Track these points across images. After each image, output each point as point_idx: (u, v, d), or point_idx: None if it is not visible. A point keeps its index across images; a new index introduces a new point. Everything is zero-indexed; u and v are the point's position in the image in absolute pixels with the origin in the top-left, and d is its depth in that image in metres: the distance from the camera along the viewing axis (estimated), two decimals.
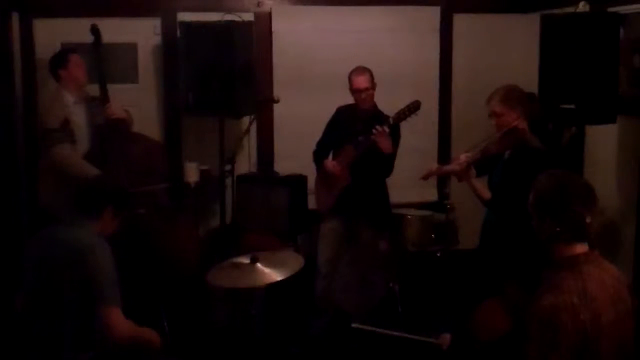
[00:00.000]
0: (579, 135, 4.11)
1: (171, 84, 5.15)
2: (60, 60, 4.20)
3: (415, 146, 5.02)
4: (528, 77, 4.10)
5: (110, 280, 2.77)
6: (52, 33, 4.99)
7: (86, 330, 2.76)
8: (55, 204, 3.94)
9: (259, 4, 5.18)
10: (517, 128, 3.41)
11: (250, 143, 5.14)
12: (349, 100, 4.25)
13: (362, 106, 4.19)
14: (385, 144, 3.98)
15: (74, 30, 4.62)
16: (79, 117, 4.16)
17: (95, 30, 4.31)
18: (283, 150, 5.27)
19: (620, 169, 4.01)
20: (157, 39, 5.18)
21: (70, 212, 2.97)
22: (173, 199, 4.79)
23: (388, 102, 4.21)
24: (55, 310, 2.79)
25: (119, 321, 2.74)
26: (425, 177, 4.07)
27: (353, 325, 2.81)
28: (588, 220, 2.20)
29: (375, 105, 4.24)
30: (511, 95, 3.47)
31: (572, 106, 3.62)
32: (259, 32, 5.06)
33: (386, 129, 3.96)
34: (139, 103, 5.07)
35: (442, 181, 5.06)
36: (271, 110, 5.18)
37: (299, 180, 4.84)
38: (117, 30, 5.00)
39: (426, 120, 4.88)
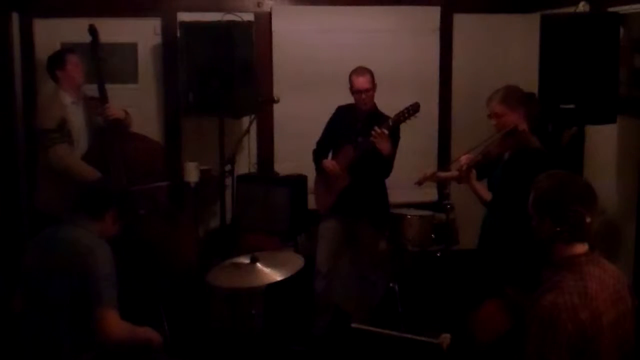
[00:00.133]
0: (579, 135, 4.11)
1: (171, 84, 5.15)
2: (57, 60, 4.18)
3: (415, 146, 5.02)
4: (528, 77, 4.10)
5: (109, 281, 2.77)
6: (52, 33, 5.00)
7: (85, 331, 2.76)
8: (52, 204, 3.94)
9: (259, 4, 5.19)
10: (518, 129, 3.41)
11: (250, 143, 5.14)
12: (349, 100, 4.25)
13: (362, 107, 4.19)
14: (384, 145, 3.98)
15: (74, 30, 4.61)
16: (77, 118, 4.16)
17: (92, 30, 4.30)
18: (283, 150, 5.27)
19: (620, 169, 4.01)
20: (157, 39, 5.18)
21: (70, 213, 2.97)
22: (173, 199, 4.80)
23: (388, 102, 4.21)
24: (54, 311, 2.79)
25: (113, 323, 2.74)
26: (420, 183, 4.09)
27: (353, 325, 2.81)
28: (588, 220, 2.21)
29: (375, 106, 4.24)
30: (512, 96, 3.47)
31: (572, 106, 3.62)
32: (259, 32, 5.06)
33: (385, 131, 3.95)
34: (139, 103, 5.07)
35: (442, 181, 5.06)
36: (271, 110, 5.18)
37: (299, 180, 4.84)
38: (117, 30, 5.01)
39: (426, 121, 4.88)
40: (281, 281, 3.06)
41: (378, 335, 2.68)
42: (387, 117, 4.06)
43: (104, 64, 4.35)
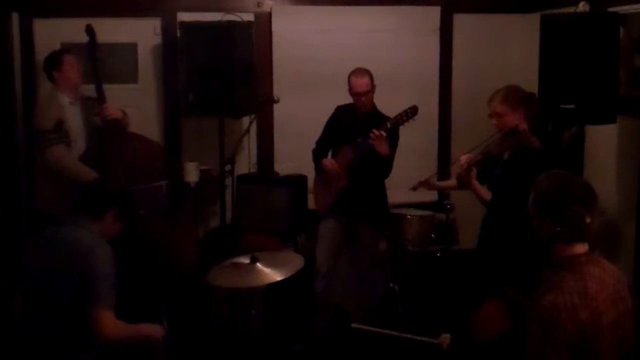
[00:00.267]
0: (579, 135, 4.11)
1: (171, 84, 5.15)
2: (53, 61, 4.17)
3: (415, 146, 5.02)
4: (528, 77, 4.10)
5: (107, 281, 2.77)
6: (52, 33, 5.00)
7: (85, 331, 2.76)
8: (50, 205, 3.94)
9: (259, 4, 5.19)
10: (518, 129, 3.41)
11: (250, 143, 5.14)
12: (350, 100, 4.24)
13: (362, 108, 4.18)
14: (382, 148, 3.98)
15: (74, 30, 4.61)
16: (75, 118, 4.15)
17: (89, 31, 4.28)
18: (283, 150, 5.27)
19: (620, 169, 4.01)
20: (157, 39, 5.18)
21: (71, 213, 2.97)
22: (173, 199, 4.80)
23: (388, 102, 4.20)
24: (54, 311, 2.79)
25: (108, 323, 2.74)
26: (414, 189, 4.10)
27: (353, 325, 2.81)
28: (588, 220, 2.20)
29: (374, 106, 4.23)
30: (513, 96, 3.47)
31: (572, 106, 3.62)
32: (259, 32, 5.06)
33: (383, 133, 3.95)
34: (139, 103, 5.08)
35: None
36: (271, 110, 5.18)
37: (299, 180, 4.84)
38: (117, 30, 5.01)
39: (426, 121, 4.87)
40: (281, 281, 3.06)
41: (378, 335, 2.68)
42: (387, 118, 4.06)
43: (102, 64, 4.33)
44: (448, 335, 2.70)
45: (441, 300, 4.36)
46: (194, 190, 4.94)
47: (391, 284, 4.49)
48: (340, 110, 4.36)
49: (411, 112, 3.96)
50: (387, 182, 4.33)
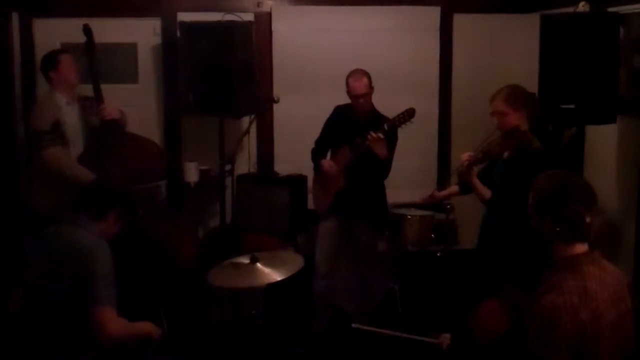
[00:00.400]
0: (579, 135, 4.11)
1: (171, 84, 5.15)
2: (50, 61, 4.14)
3: (415, 146, 5.02)
4: (528, 77, 4.09)
5: (107, 281, 2.77)
6: (52, 33, 4.99)
7: (85, 330, 2.76)
8: (48, 205, 3.93)
9: (259, 4, 5.18)
10: (519, 129, 3.41)
11: (250, 143, 5.13)
12: (349, 100, 4.24)
13: (360, 110, 4.17)
14: (380, 149, 3.97)
15: (74, 30, 4.59)
16: (72, 118, 4.13)
17: (87, 30, 4.27)
18: (283, 150, 5.27)
19: (620, 169, 4.01)
20: (157, 39, 5.18)
21: (71, 213, 2.97)
22: (173, 199, 4.80)
23: (388, 102, 4.20)
24: (54, 310, 2.79)
25: (109, 320, 2.74)
26: (424, 202, 4.21)
27: (353, 325, 2.82)
28: (588, 220, 2.20)
29: (373, 107, 4.22)
30: (516, 96, 3.48)
31: (572, 106, 3.62)
32: (259, 32, 5.06)
33: (380, 135, 3.94)
34: (138, 103, 5.08)
35: (442, 181, 5.05)
36: (271, 110, 5.18)
37: (299, 180, 4.84)
38: (117, 30, 5.01)
39: (426, 121, 4.87)
40: (281, 281, 3.06)
41: (378, 335, 2.68)
42: (385, 118, 4.06)
43: (100, 64, 4.32)
44: (448, 335, 2.71)
45: (441, 300, 4.36)
46: (194, 190, 4.94)
47: (391, 284, 4.49)
48: (339, 111, 4.36)
49: (408, 114, 3.95)
50: (387, 182, 4.33)
